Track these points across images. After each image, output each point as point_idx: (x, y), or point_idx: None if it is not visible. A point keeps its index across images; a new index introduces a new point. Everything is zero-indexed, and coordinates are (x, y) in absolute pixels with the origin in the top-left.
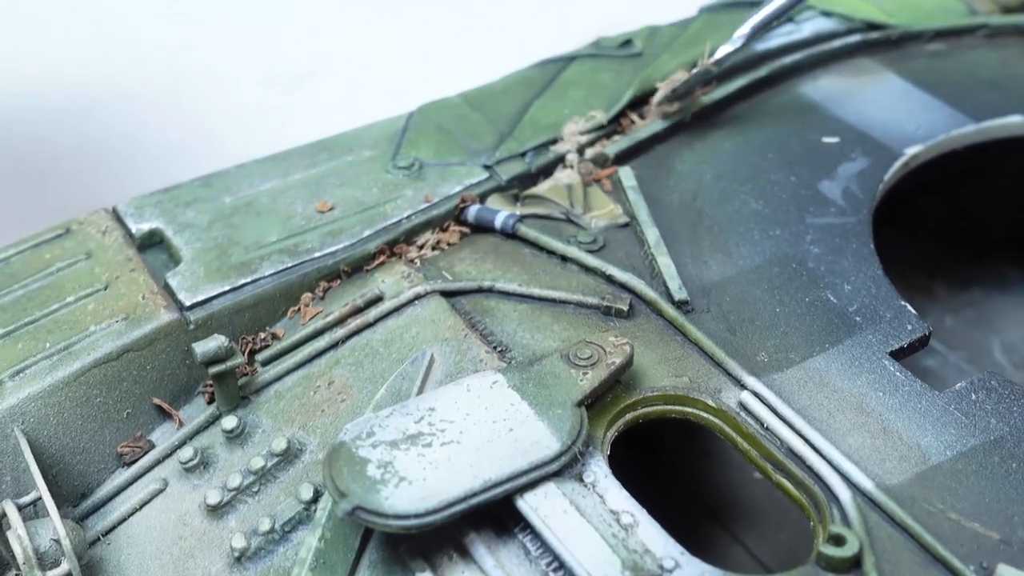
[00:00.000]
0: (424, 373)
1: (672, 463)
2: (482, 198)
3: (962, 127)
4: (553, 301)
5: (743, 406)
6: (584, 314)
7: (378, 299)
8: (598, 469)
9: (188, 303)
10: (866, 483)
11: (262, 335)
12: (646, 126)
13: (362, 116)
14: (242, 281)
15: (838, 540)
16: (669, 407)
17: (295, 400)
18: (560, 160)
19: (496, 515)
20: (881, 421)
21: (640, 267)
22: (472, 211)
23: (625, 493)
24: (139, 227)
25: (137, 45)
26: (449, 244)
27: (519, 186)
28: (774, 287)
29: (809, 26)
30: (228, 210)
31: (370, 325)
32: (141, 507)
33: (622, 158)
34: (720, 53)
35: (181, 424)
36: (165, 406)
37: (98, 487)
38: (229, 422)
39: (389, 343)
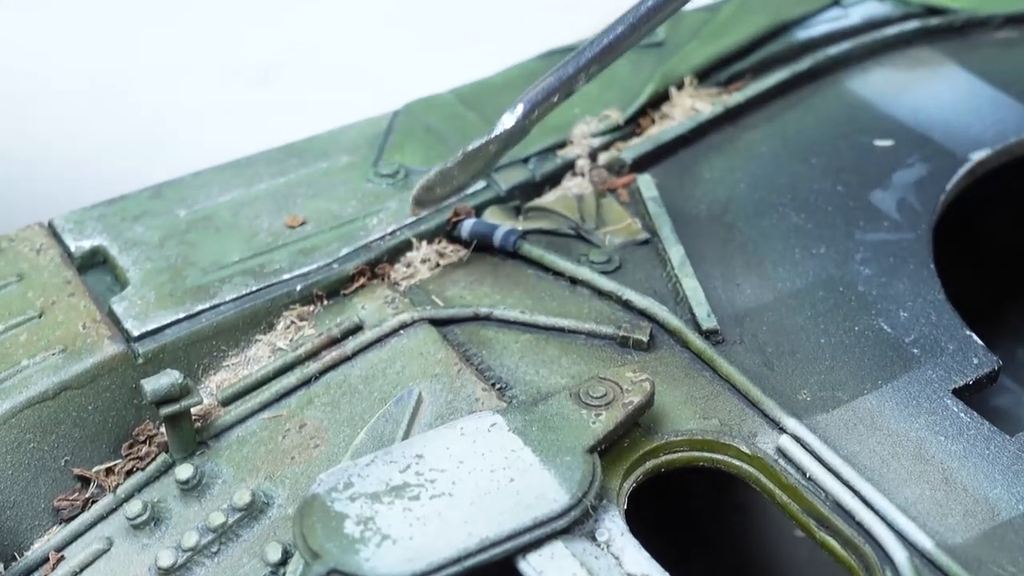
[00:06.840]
0: (411, 414)
1: (699, 519)
2: (478, 211)
3: None
4: (561, 330)
5: (782, 452)
6: (597, 346)
7: (357, 328)
8: (613, 526)
9: (136, 333)
10: (925, 542)
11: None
12: (669, 127)
13: (339, 116)
14: (199, 307)
15: None
16: (696, 454)
17: (260, 446)
18: (569, 167)
19: None
20: (943, 470)
21: (662, 291)
22: (467, 226)
23: (645, 554)
24: (79, 245)
25: (77, 31)
26: (440, 264)
27: (521, 197)
28: (818, 314)
29: (858, 10)
30: (183, 225)
31: (348, 359)
32: (82, 570)
33: (641, 164)
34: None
35: (116, 484)
36: (89, 474)
37: (31, 547)
38: (184, 471)
39: (370, 379)
